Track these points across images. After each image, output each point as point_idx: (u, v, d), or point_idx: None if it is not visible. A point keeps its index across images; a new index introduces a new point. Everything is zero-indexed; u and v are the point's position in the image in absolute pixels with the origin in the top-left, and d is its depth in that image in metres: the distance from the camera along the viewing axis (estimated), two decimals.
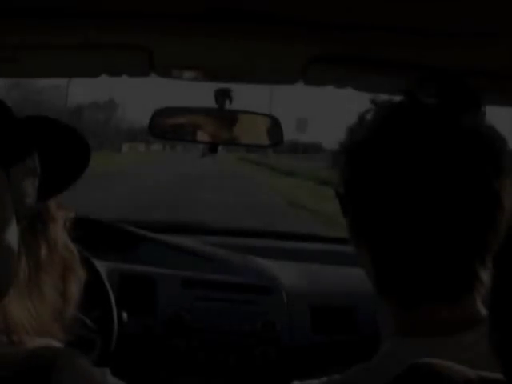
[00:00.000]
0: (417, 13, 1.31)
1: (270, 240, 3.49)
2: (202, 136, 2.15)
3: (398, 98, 1.11)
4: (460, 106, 1.05)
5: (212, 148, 2.19)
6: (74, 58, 1.71)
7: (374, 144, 1.06)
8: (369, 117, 1.11)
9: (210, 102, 2.08)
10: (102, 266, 2.41)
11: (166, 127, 2.17)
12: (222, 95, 2.04)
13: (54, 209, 1.10)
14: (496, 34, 1.34)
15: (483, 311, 1.06)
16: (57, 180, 1.06)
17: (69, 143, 1.12)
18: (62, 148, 1.10)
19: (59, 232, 1.10)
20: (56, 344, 1.06)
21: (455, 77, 1.09)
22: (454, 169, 1.00)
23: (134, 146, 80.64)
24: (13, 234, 0.93)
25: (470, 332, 1.03)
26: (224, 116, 2.12)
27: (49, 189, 1.04)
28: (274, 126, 2.14)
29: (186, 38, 1.55)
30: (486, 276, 1.03)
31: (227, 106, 2.06)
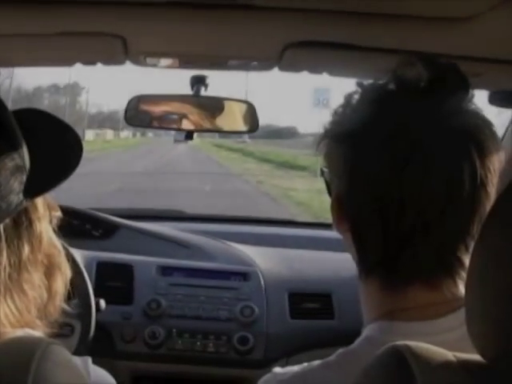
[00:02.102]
0: None
1: (246, 226, 3.49)
2: (178, 123, 2.14)
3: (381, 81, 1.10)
4: (448, 89, 1.05)
5: (188, 135, 2.19)
6: (48, 46, 1.70)
7: (363, 129, 1.05)
8: (355, 99, 1.11)
9: (183, 87, 2.03)
10: (78, 255, 2.40)
11: (143, 115, 2.16)
12: (198, 82, 2.04)
13: (41, 206, 1.08)
14: (469, 18, 1.35)
15: None
16: (46, 177, 1.05)
17: (60, 139, 1.11)
18: (54, 143, 1.09)
19: (45, 230, 1.09)
20: (36, 334, 1.06)
21: (442, 59, 1.09)
22: (440, 153, 1.00)
23: (100, 132, 74.93)
24: None
25: (451, 316, 1.03)
26: (201, 103, 2.11)
27: (37, 186, 1.03)
28: (250, 112, 2.14)
29: (160, 26, 1.55)
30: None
31: (202, 92, 2.05)
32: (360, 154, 1.05)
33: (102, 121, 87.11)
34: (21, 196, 0.99)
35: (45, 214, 1.09)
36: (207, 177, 22.22)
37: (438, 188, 1.00)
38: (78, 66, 1.85)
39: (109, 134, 78.42)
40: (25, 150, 0.99)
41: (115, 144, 59.63)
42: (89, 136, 62.54)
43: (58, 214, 1.16)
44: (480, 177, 1.01)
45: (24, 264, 1.04)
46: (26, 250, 1.04)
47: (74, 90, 78.41)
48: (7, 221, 1.00)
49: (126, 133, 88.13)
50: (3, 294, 1.01)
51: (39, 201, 1.08)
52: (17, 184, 0.98)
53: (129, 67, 1.87)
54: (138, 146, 57.46)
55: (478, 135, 1.03)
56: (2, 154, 0.95)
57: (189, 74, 2.05)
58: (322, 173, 1.19)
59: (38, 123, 1.08)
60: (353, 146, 1.06)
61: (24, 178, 0.99)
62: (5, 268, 1.00)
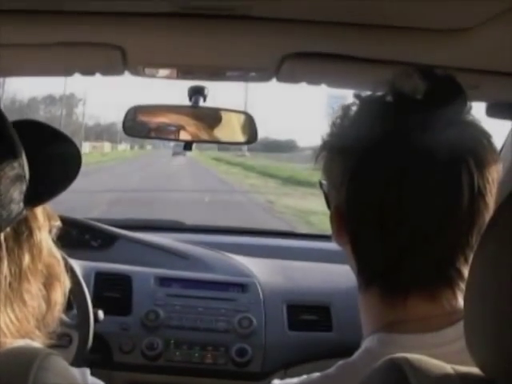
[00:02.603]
0: (391, 10, 1.31)
1: (245, 237, 3.49)
2: (177, 134, 2.14)
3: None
4: (445, 100, 1.04)
5: (186, 146, 2.18)
6: (47, 56, 1.70)
7: (361, 141, 1.05)
8: (353, 110, 1.11)
9: (182, 98, 2.03)
10: (77, 265, 2.40)
11: (140, 125, 2.16)
12: (196, 93, 2.04)
13: (41, 216, 1.08)
14: (467, 30, 1.35)
15: None
16: (46, 187, 1.05)
17: (60, 149, 1.11)
18: (53, 154, 1.09)
19: (44, 239, 1.09)
20: (35, 344, 1.06)
21: (440, 71, 1.09)
22: (439, 164, 1.00)
23: (97, 145, 72.85)
24: None
25: (451, 329, 1.02)
26: (198, 114, 2.11)
27: (37, 196, 1.03)
28: (249, 123, 2.14)
29: (159, 37, 1.55)
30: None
31: (201, 103, 2.05)
32: (358, 167, 1.04)
33: (100, 133, 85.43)
34: (21, 205, 1.00)
35: (44, 223, 1.10)
36: (208, 194, 19.49)
37: (436, 199, 1.00)
38: (76, 78, 1.86)
39: (106, 146, 76.90)
40: (25, 160, 1.00)
41: (112, 157, 58.42)
42: (85, 149, 61.01)
43: (58, 223, 1.16)
44: (478, 187, 1.01)
45: (24, 273, 1.04)
46: (27, 259, 1.04)
47: (70, 101, 76.40)
48: (8, 230, 1.00)
49: (124, 145, 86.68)
50: (3, 302, 1.01)
51: (39, 210, 1.08)
52: (17, 193, 0.98)
53: (127, 78, 1.87)
54: (136, 158, 56.13)
55: (476, 146, 1.02)
56: (3, 163, 0.96)
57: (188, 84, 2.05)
58: (321, 185, 1.19)
59: (37, 134, 1.09)
60: (351, 158, 1.05)
61: (24, 187, 1.00)
62: (5, 277, 1.00)
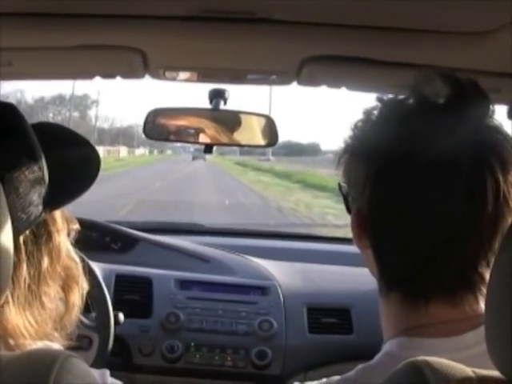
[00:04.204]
0: (412, 13, 1.31)
1: (265, 240, 3.49)
2: (196, 137, 2.14)
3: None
4: (468, 104, 1.04)
5: (207, 148, 2.18)
6: (68, 60, 1.71)
7: (384, 145, 1.04)
8: (375, 114, 1.10)
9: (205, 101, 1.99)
10: (97, 268, 2.41)
11: (160, 128, 2.16)
12: (216, 96, 2.04)
13: (60, 219, 1.09)
14: (488, 32, 1.34)
15: None
16: (64, 190, 1.06)
17: (78, 153, 1.12)
18: (71, 158, 1.10)
19: (63, 242, 1.10)
20: (54, 346, 1.06)
21: (461, 74, 1.08)
22: (463, 168, 0.99)
23: (112, 149, 69.07)
24: (8, 240, 0.93)
25: (472, 333, 1.02)
26: (218, 117, 2.11)
27: (56, 199, 1.04)
28: (269, 126, 2.14)
29: (180, 40, 1.55)
30: None
31: (222, 106, 2.05)
32: (382, 171, 1.04)
33: (115, 136, 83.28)
34: (40, 208, 1.00)
35: (63, 226, 1.11)
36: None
37: (460, 204, 0.99)
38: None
39: (122, 150, 73.35)
40: (44, 163, 1.00)
41: (128, 162, 54.67)
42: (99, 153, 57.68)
43: (76, 226, 1.17)
44: (503, 192, 1.00)
45: (43, 276, 1.05)
46: (46, 262, 1.05)
47: (83, 102, 74.53)
48: (27, 233, 1.01)
49: (142, 150, 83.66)
50: (23, 305, 1.01)
51: (57, 214, 1.09)
52: (36, 196, 0.99)
53: (146, 81, 1.87)
54: (151, 164, 52.78)
55: (501, 150, 1.01)
56: (23, 166, 0.97)
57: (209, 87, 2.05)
58: (340, 187, 1.18)
59: (56, 137, 1.10)
60: (374, 162, 1.05)
61: (43, 190, 1.00)
62: (25, 280, 1.01)
